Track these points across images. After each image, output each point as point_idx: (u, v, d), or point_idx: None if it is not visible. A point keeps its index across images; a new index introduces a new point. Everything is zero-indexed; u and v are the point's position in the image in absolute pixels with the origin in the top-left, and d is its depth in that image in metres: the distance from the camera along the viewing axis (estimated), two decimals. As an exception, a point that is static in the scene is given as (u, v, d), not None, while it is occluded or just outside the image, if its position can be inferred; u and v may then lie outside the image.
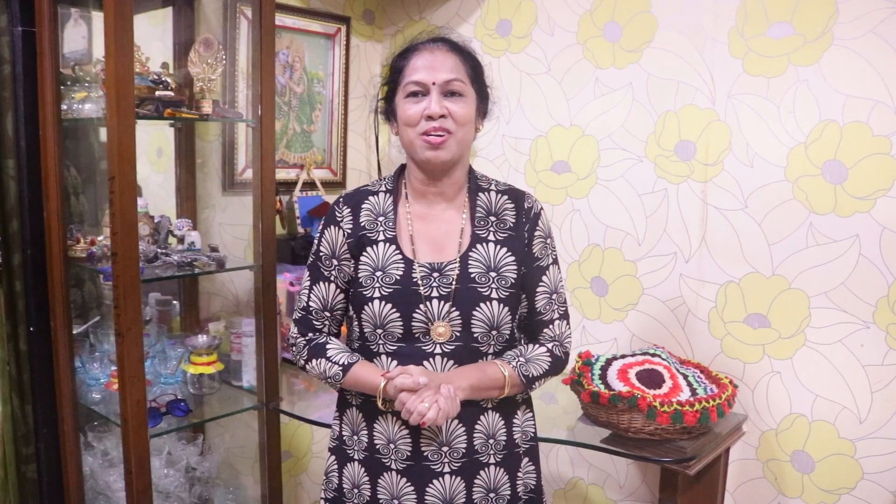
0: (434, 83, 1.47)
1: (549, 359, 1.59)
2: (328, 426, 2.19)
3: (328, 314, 1.60)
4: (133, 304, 1.91)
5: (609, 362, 2.21)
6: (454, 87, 1.48)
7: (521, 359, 1.56)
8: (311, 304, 1.60)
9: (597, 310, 2.56)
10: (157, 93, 2.10)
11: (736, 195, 2.24)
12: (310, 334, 1.61)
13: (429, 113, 1.46)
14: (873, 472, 2.08)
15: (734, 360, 2.29)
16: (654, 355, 2.22)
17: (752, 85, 2.19)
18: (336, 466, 1.63)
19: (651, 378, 2.12)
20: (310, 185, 2.86)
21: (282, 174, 2.76)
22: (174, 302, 2.56)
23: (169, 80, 2.13)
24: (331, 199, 2.86)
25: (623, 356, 2.24)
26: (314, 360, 1.58)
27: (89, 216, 2.38)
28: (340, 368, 1.54)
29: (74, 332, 2.26)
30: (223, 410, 2.32)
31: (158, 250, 2.20)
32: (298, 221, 2.79)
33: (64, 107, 2.12)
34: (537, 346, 1.60)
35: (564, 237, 2.62)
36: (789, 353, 2.19)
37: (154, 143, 2.59)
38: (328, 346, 1.58)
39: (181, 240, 2.33)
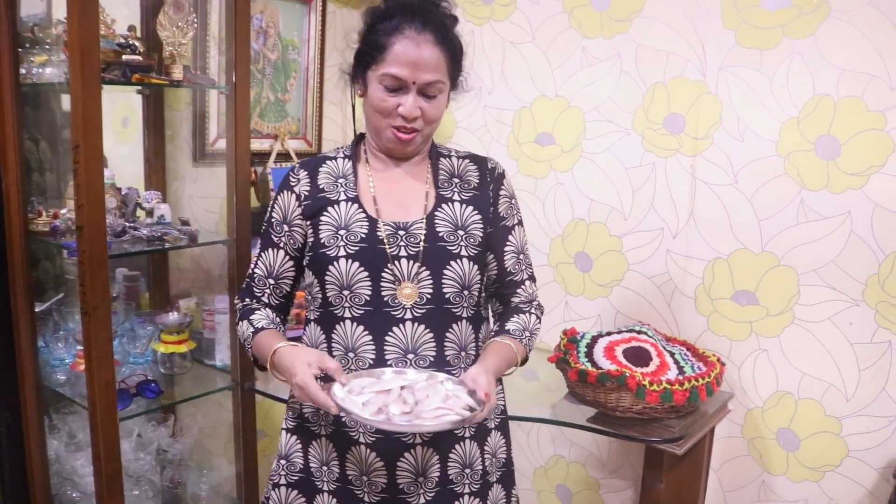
0: (414, 82, 1.41)
1: (539, 326, 1.59)
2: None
3: (272, 281, 1.55)
4: (100, 282, 1.80)
5: (595, 340, 2.17)
6: (433, 88, 1.43)
7: (527, 333, 1.55)
8: (256, 270, 1.57)
9: (580, 286, 2.51)
10: (124, 57, 1.98)
11: (726, 170, 2.19)
12: (247, 300, 1.58)
13: (403, 113, 1.42)
14: (859, 450, 2.07)
15: (721, 337, 2.26)
16: (640, 332, 2.18)
17: (744, 57, 2.13)
18: (304, 499, 1.55)
19: (638, 356, 2.09)
20: (284, 156, 2.75)
21: (255, 144, 2.63)
22: (142, 278, 2.45)
23: (136, 43, 2.01)
24: (306, 170, 2.76)
25: (609, 333, 2.20)
26: (241, 323, 1.55)
27: (52, 188, 2.25)
28: (253, 330, 1.51)
29: (37, 310, 2.15)
30: (196, 391, 2.23)
31: (126, 224, 2.09)
32: (272, 193, 2.68)
33: (22, 71, 1.98)
34: (528, 315, 1.57)
35: (548, 211, 2.55)
36: (777, 331, 2.16)
37: (119, 112, 2.45)
38: (256, 312, 1.55)
39: (150, 213, 2.22)
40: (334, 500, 1.50)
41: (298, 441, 1.56)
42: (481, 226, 1.50)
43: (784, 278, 2.13)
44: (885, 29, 1.92)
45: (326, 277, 1.45)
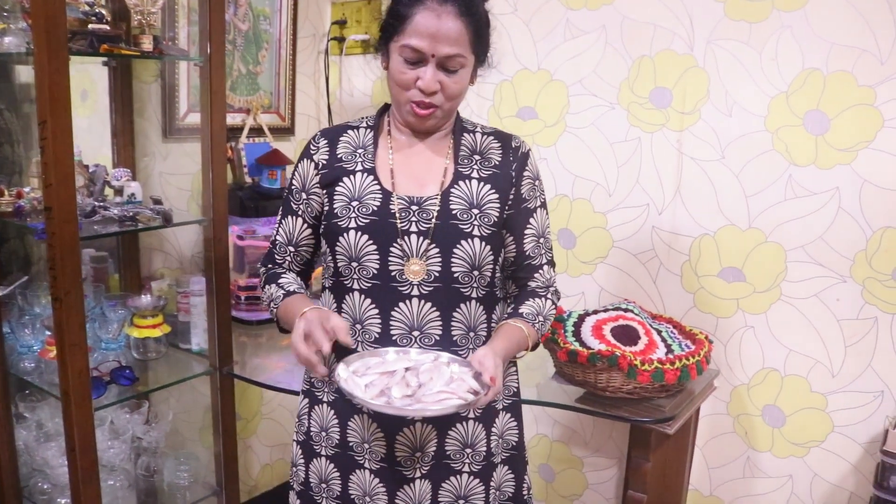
0: (433, 55, 1.35)
1: (554, 311, 1.55)
2: (285, 391, 2.09)
3: (292, 249, 1.54)
4: (71, 265, 1.71)
5: (582, 318, 2.14)
6: (453, 62, 1.37)
7: (541, 318, 1.50)
8: (277, 237, 1.56)
9: (564, 263, 2.48)
10: (90, 26, 1.86)
11: (713, 145, 2.16)
12: (269, 266, 1.57)
13: (421, 86, 1.37)
14: (844, 426, 2.08)
15: (707, 314, 2.25)
16: (626, 310, 2.16)
17: (733, 30, 2.09)
18: (303, 461, 1.56)
19: (626, 334, 2.06)
20: (256, 131, 2.65)
21: (227, 119, 2.53)
22: (110, 259, 2.35)
23: (103, 11, 1.89)
24: (279, 145, 2.68)
25: (595, 311, 2.17)
26: (268, 286, 1.53)
27: (15, 163, 2.13)
28: (284, 292, 1.49)
29: (0, 294, 2.04)
30: (172, 377, 2.15)
31: (96, 203, 1.98)
32: (246, 170, 2.59)
33: (-20, 40, 1.86)
34: (544, 300, 1.53)
35: (530, 188, 2.50)
36: (764, 308, 2.15)
37: (77, 84, 2.29)
38: (284, 276, 1.54)
39: (119, 191, 2.11)
40: (332, 464, 1.50)
41: (307, 404, 1.56)
42: (498, 205, 1.45)
43: (771, 255, 2.12)
44: (876, 3, 1.90)
45: (337, 248, 1.43)
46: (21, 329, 2.03)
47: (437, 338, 1.42)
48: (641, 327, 2.08)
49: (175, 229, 2.37)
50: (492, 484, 1.53)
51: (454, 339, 1.44)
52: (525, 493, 1.62)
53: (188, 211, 2.42)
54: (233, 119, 2.57)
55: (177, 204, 2.40)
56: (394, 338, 1.41)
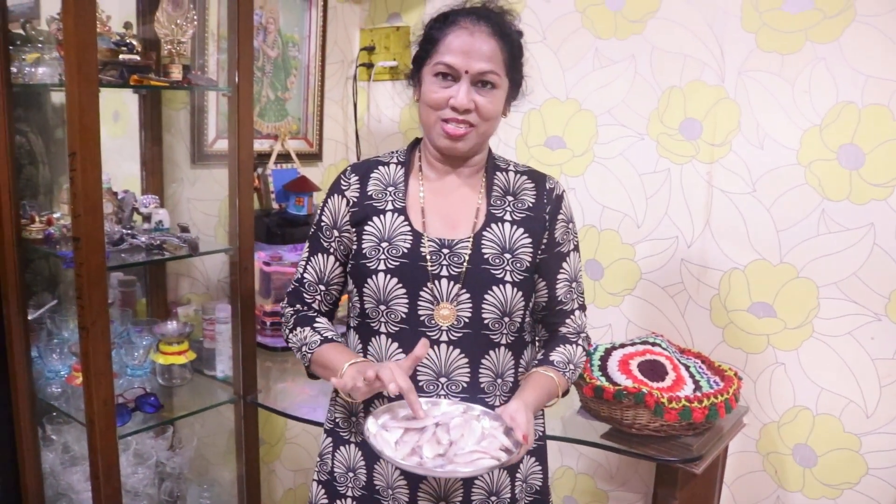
0: (467, 71, 1.33)
1: (584, 359, 1.51)
2: (309, 422, 2.08)
3: (322, 288, 1.50)
4: (99, 295, 1.72)
5: (608, 352, 2.10)
6: (487, 78, 1.35)
7: (571, 366, 1.46)
8: (305, 276, 1.51)
9: (591, 294, 2.45)
10: (121, 56, 1.88)
11: (744, 178, 2.13)
12: (298, 306, 1.52)
13: (454, 104, 1.34)
14: (879, 468, 2.02)
15: (736, 349, 2.20)
16: (654, 344, 2.12)
17: (765, 61, 2.06)
18: (326, 501, 1.54)
19: (653, 369, 2.03)
20: (284, 157, 2.66)
21: (255, 145, 2.54)
22: (138, 283, 2.37)
23: (133, 42, 1.92)
24: (306, 171, 2.68)
25: (622, 345, 2.13)
26: (299, 328, 1.48)
27: (38, 186, 2.16)
28: (321, 338, 1.43)
29: (29, 318, 2.06)
30: (196, 403, 2.15)
31: (124, 231, 2.00)
32: (273, 196, 2.60)
33: (13, 70, 1.89)
34: (574, 346, 1.49)
35: (557, 217, 2.48)
36: (795, 345, 2.10)
37: (109, 106, 2.33)
38: (318, 319, 1.49)
39: (147, 218, 2.12)
40: None
41: (331, 444, 1.53)
42: (531, 250, 1.42)
43: (803, 291, 2.07)
44: (913, 36, 1.86)
45: (364, 289, 1.40)
46: (49, 354, 2.04)
47: (465, 385, 1.39)
48: (669, 362, 2.04)
49: (203, 255, 2.37)
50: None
51: (482, 386, 1.41)
52: None
53: (215, 237, 2.43)
54: (260, 145, 2.58)
55: (204, 230, 2.41)
56: (420, 384, 1.38)
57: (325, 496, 1.54)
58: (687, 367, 2.04)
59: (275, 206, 2.60)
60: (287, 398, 2.28)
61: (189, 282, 2.46)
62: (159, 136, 2.28)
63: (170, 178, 2.35)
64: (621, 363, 2.04)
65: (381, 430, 1.30)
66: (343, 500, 1.50)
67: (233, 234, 2.08)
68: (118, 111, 2.34)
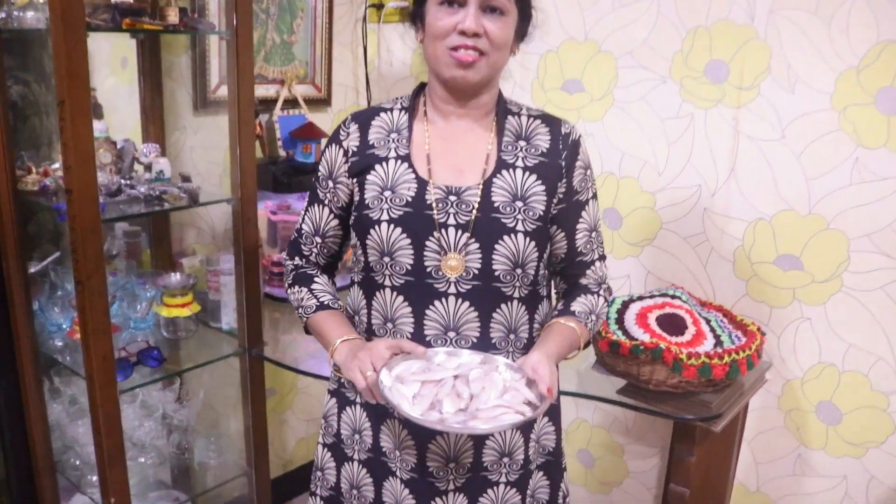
0: None
1: (606, 309, 1.46)
2: (317, 376, 2.03)
3: (319, 240, 1.45)
4: (93, 249, 1.66)
5: (626, 305, 2.03)
6: (495, 3, 1.25)
7: (593, 316, 1.41)
8: (303, 227, 1.47)
9: (609, 244, 2.35)
10: (113, -1, 1.79)
11: (772, 124, 2.00)
12: (296, 259, 1.49)
13: (462, 28, 1.24)
14: (906, 427, 1.95)
15: (760, 303, 2.11)
16: (673, 297, 2.04)
17: (798, -1, 1.92)
18: (333, 465, 1.50)
19: (672, 323, 1.95)
20: (291, 102, 2.57)
21: (260, 91, 2.46)
22: (143, 233, 2.31)
23: (127, -18, 1.82)
24: (314, 117, 2.59)
25: (640, 297, 2.06)
26: (297, 286, 1.46)
27: (42, 137, 2.09)
28: (317, 304, 1.43)
29: (31, 270, 2.02)
30: (201, 357, 2.11)
31: (122, 182, 1.93)
32: (279, 143, 2.52)
33: (2, 15, 1.80)
34: (596, 296, 1.43)
35: (574, 165, 2.38)
36: (822, 299, 2.01)
37: (116, 52, 2.26)
38: (317, 280, 1.47)
39: (148, 167, 2.06)
40: (364, 469, 1.43)
41: (336, 405, 1.49)
42: (544, 198, 1.33)
43: (833, 243, 1.96)
44: (962, -33, 1.71)
45: (367, 241, 1.33)
46: (50, 308, 2.00)
47: (475, 340, 1.33)
48: (689, 316, 1.97)
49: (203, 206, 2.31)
50: (528, 491, 1.46)
51: (493, 341, 1.34)
52: (561, 501, 1.54)
53: (220, 186, 2.36)
54: (266, 91, 2.49)
55: (209, 179, 2.35)
56: (427, 339, 1.32)
57: (331, 459, 1.50)
58: (708, 322, 1.97)
59: (282, 153, 2.52)
60: (296, 349, 2.23)
61: (195, 232, 2.40)
62: (159, 82, 2.19)
63: (172, 126, 2.27)
64: (639, 316, 1.97)
65: (397, 384, 1.22)
66: (350, 463, 1.46)
67: (235, 184, 2.00)
68: (126, 58, 2.25)
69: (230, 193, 2.05)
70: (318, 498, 1.54)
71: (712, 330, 1.94)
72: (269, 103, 2.50)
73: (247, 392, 2.18)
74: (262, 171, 2.42)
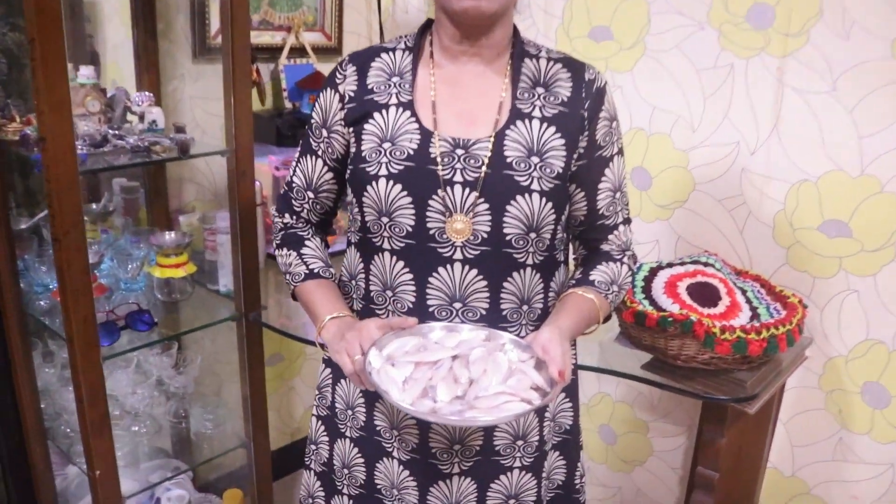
0: None
1: (630, 279, 1.32)
2: (315, 344, 1.90)
3: (311, 195, 1.33)
4: (70, 202, 1.53)
5: (654, 272, 1.88)
6: None
7: (615, 287, 1.28)
8: (294, 179, 1.34)
9: (637, 205, 2.19)
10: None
11: (822, 74, 1.81)
12: (287, 216, 1.36)
13: None
14: (962, 412, 1.77)
15: (801, 273, 1.94)
16: (706, 264, 1.88)
17: (857, -71, 1.71)
18: (326, 439, 1.39)
19: (704, 293, 1.80)
20: (298, 51, 2.41)
21: (265, 38, 2.31)
22: (141, 189, 2.18)
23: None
24: (323, 67, 2.42)
25: (670, 264, 1.90)
26: (286, 248, 1.34)
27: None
28: (306, 272, 1.30)
29: (22, 226, 1.91)
30: (198, 320, 1.99)
31: (110, 131, 1.80)
32: (285, 94, 2.37)
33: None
34: (619, 264, 1.30)
35: (601, 120, 2.20)
36: (873, 270, 1.83)
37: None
38: (307, 243, 1.34)
39: (141, 117, 1.92)
40: (356, 449, 1.32)
41: (330, 375, 1.38)
42: (564, 153, 1.18)
43: (887, 208, 1.78)
44: None
45: (364, 199, 1.19)
46: (37, 266, 1.89)
47: (483, 312, 1.19)
48: (723, 285, 1.80)
49: (205, 157, 2.17)
50: (543, 474, 1.33)
51: (503, 313, 1.20)
52: (577, 480, 1.41)
53: (221, 137, 2.22)
54: (272, 38, 2.34)
55: (209, 130, 2.21)
56: (431, 309, 1.19)
57: (324, 433, 1.39)
58: (744, 292, 1.81)
59: (287, 105, 2.36)
60: (302, 314, 2.09)
61: (194, 187, 2.26)
62: (153, 27, 2.04)
63: (169, 74, 2.13)
64: (668, 285, 1.82)
65: (387, 366, 1.09)
66: (343, 440, 1.34)
67: (229, 135, 1.86)
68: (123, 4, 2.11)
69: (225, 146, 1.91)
70: (312, 472, 1.44)
71: (748, 301, 1.78)
72: (274, 51, 2.34)
73: (244, 358, 2.05)
74: (266, 123, 2.28)
